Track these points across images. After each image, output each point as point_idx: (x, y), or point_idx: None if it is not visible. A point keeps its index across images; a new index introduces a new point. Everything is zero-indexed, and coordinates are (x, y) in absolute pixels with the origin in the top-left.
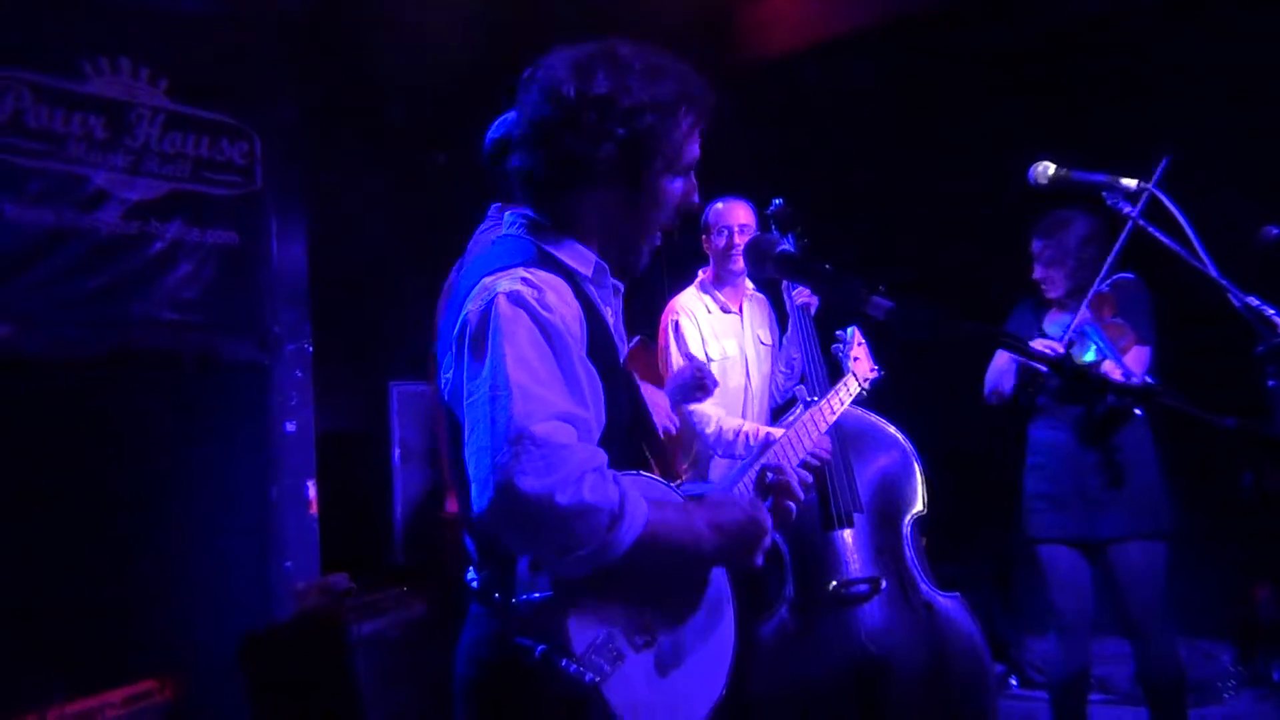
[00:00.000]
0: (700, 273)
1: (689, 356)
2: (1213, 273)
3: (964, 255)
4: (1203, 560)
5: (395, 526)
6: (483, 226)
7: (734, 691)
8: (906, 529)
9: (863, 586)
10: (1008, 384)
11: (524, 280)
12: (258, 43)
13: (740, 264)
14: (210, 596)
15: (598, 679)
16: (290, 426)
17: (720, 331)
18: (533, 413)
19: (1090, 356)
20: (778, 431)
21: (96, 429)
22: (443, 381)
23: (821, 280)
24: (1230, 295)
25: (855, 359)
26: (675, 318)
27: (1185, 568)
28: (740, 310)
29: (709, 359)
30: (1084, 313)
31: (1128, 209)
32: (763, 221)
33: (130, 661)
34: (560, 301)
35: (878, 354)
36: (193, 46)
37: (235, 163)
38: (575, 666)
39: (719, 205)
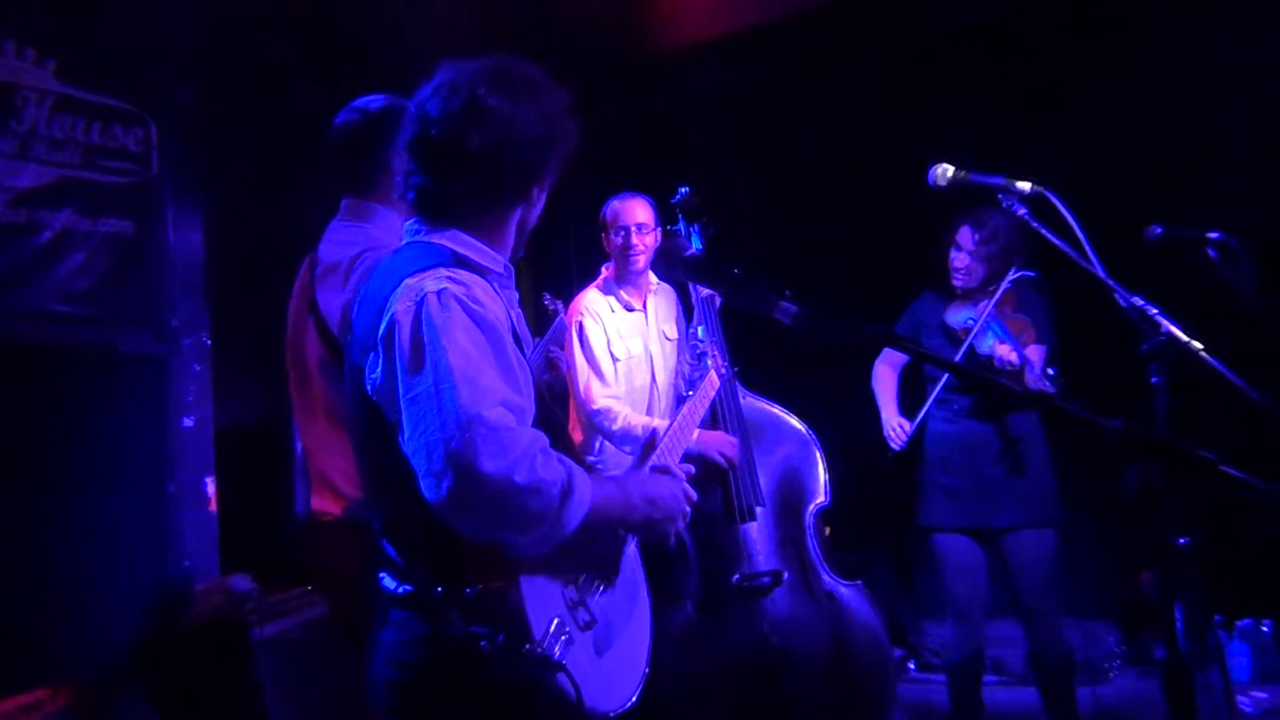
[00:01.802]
0: (603, 269)
1: (591, 359)
2: (1100, 273)
3: (868, 248)
4: (1090, 545)
5: (295, 520)
6: (332, 222)
7: (653, 671)
8: (809, 520)
9: (766, 579)
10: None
11: (449, 279)
12: (154, 23)
13: (640, 263)
14: (106, 598)
15: (562, 658)
16: (188, 421)
17: (625, 331)
18: (480, 400)
19: (989, 342)
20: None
21: None
22: (368, 382)
23: (729, 283)
24: (1116, 295)
25: (713, 357)
26: (580, 319)
27: (1073, 553)
28: (644, 307)
29: (615, 359)
30: (989, 306)
31: (1021, 211)
32: (668, 211)
33: (20, 669)
34: (486, 296)
35: (776, 341)
36: (84, 26)
37: (129, 149)
38: (539, 649)
39: (615, 203)
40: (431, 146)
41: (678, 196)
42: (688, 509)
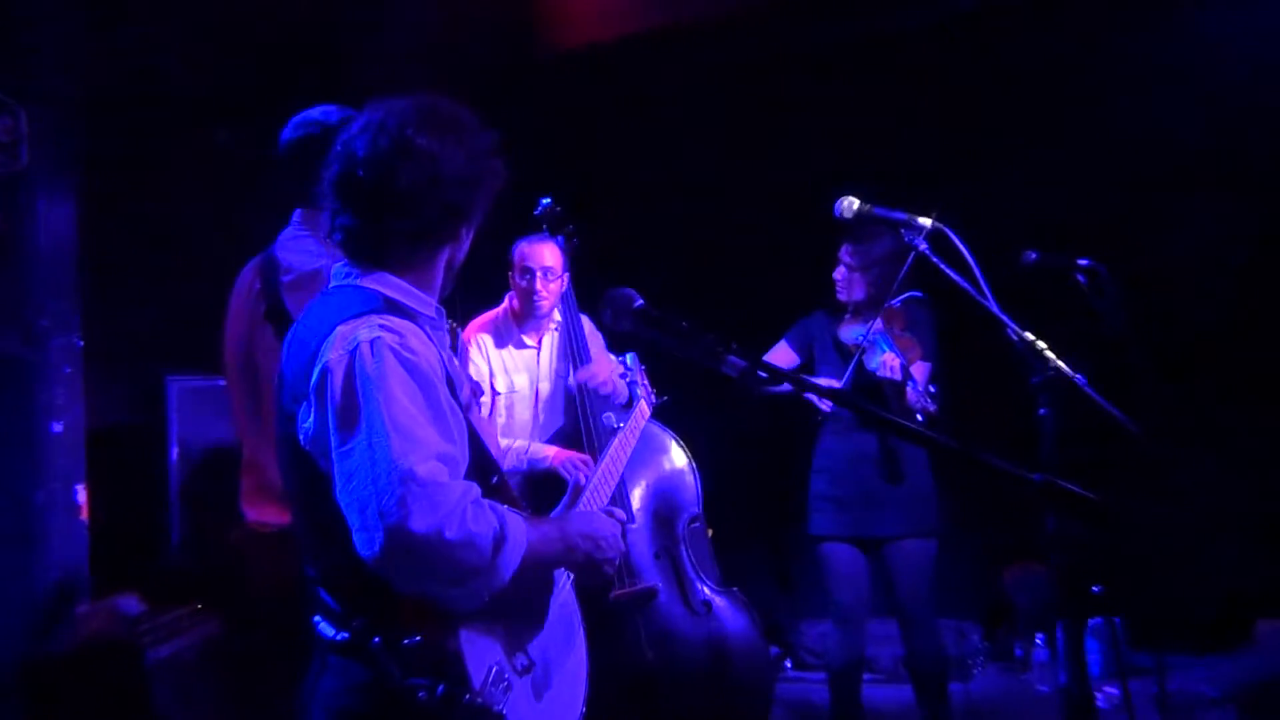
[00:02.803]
0: (507, 299)
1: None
2: (993, 308)
3: (765, 263)
4: (953, 546)
5: (172, 530)
6: (287, 232)
7: (592, 710)
8: (683, 530)
9: (640, 594)
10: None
11: (382, 326)
12: (25, 5)
13: (544, 308)
14: None
15: (501, 708)
16: (57, 427)
17: (513, 366)
18: (411, 454)
19: (879, 359)
20: (548, 449)
21: None
22: (300, 432)
23: (677, 336)
24: (1008, 330)
25: (643, 385)
26: (469, 342)
27: (941, 553)
28: (539, 344)
29: (495, 393)
30: (877, 322)
31: (922, 246)
32: (532, 222)
33: None
34: (420, 344)
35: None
36: None
37: None
38: (479, 700)
39: (524, 246)
40: (359, 186)
41: (540, 208)
42: (624, 546)
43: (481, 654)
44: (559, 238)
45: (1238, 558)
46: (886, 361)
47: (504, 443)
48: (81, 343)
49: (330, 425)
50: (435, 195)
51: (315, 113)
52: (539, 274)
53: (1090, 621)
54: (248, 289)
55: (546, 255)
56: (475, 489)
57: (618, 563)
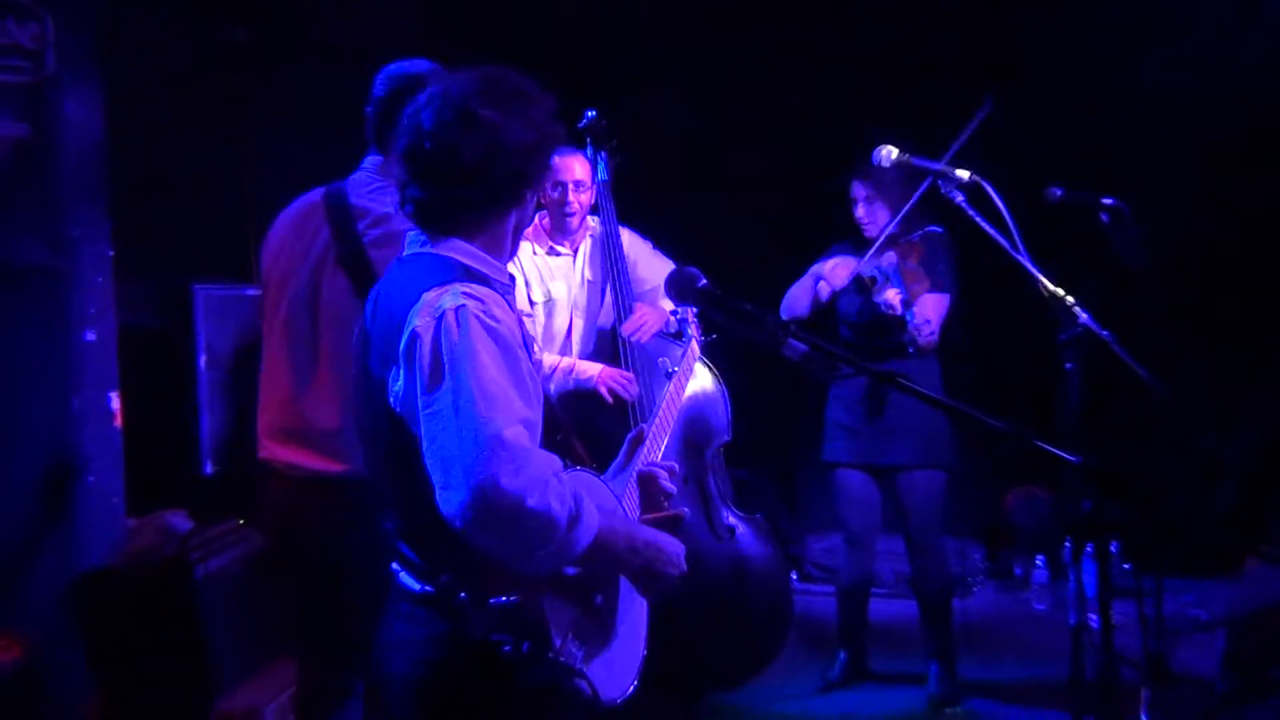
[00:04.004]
0: (537, 218)
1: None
2: (1026, 262)
3: (787, 190)
4: (961, 469)
5: (201, 437)
6: (360, 177)
7: (652, 652)
8: (711, 458)
9: (668, 520)
10: (803, 308)
11: (465, 294)
12: None
13: (575, 223)
14: (8, 521)
15: (581, 666)
16: (90, 335)
17: (547, 274)
18: (498, 419)
19: (884, 294)
20: (592, 367)
21: None
22: (391, 395)
23: (740, 317)
24: (1038, 284)
25: (694, 324)
26: None
27: (949, 477)
28: (575, 251)
29: (531, 303)
30: (891, 255)
31: (959, 198)
32: (576, 135)
33: None
34: (502, 311)
35: None
36: None
37: (23, 46)
38: (561, 658)
39: (555, 159)
40: (426, 158)
41: (584, 120)
42: (685, 569)
43: (560, 613)
44: (600, 151)
45: (1235, 492)
46: (889, 298)
47: (546, 359)
48: (111, 252)
49: (419, 388)
50: (499, 164)
51: (406, 64)
52: (571, 186)
53: (1086, 545)
54: (314, 230)
55: (577, 168)
56: (557, 461)
57: (674, 585)
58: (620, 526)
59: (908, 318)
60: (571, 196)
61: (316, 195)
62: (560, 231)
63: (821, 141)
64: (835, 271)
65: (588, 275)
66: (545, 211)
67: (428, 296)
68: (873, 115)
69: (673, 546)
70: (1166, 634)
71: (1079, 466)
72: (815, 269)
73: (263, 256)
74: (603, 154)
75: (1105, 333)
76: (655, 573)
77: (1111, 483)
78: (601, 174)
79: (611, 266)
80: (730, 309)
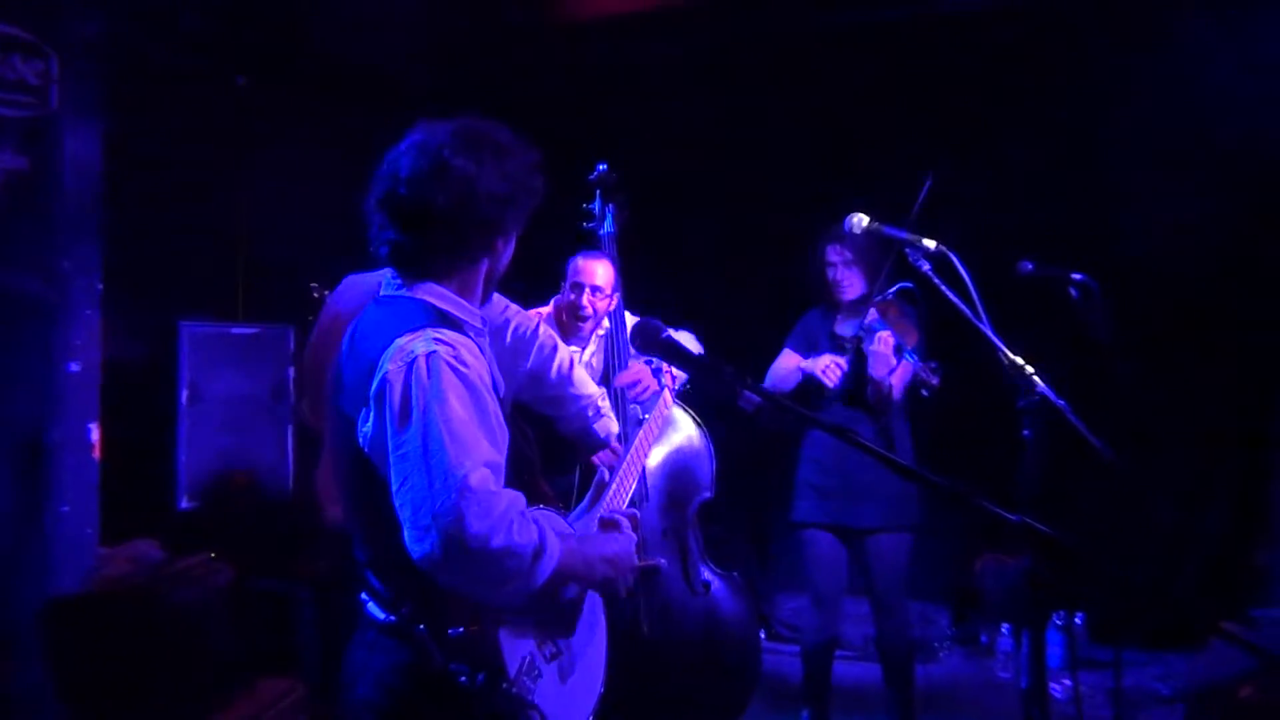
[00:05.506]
0: (553, 303)
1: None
2: (988, 331)
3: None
4: (929, 533)
5: (179, 472)
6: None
7: (610, 687)
8: (693, 513)
9: (645, 570)
10: (788, 386)
11: (436, 340)
12: None
13: (586, 329)
14: None
15: (533, 698)
16: (74, 366)
17: None
18: (466, 463)
19: (876, 337)
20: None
21: None
22: (360, 436)
23: (697, 368)
24: (999, 353)
25: (669, 374)
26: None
27: (916, 543)
28: (583, 348)
29: None
30: (873, 313)
31: (925, 267)
32: (584, 188)
33: None
34: (471, 356)
35: None
36: None
37: (28, 82)
38: (514, 688)
39: (580, 260)
40: (401, 204)
41: (595, 173)
42: (636, 562)
43: (516, 645)
44: (609, 204)
45: (1200, 566)
46: (882, 337)
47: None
48: (101, 285)
49: (389, 431)
50: (471, 212)
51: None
52: (587, 289)
53: (1053, 615)
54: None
55: (600, 273)
56: (521, 499)
57: (632, 581)
58: (577, 548)
59: (910, 359)
60: (586, 300)
61: (352, 298)
62: (569, 334)
63: (805, 202)
64: (828, 374)
65: (598, 372)
66: (562, 304)
67: (400, 342)
68: (846, 181)
69: (625, 552)
70: (1127, 706)
71: (1015, 525)
72: (803, 364)
73: (320, 320)
74: (610, 207)
75: (1061, 402)
76: (615, 580)
77: (1047, 545)
78: (609, 226)
79: (613, 360)
80: (687, 360)
